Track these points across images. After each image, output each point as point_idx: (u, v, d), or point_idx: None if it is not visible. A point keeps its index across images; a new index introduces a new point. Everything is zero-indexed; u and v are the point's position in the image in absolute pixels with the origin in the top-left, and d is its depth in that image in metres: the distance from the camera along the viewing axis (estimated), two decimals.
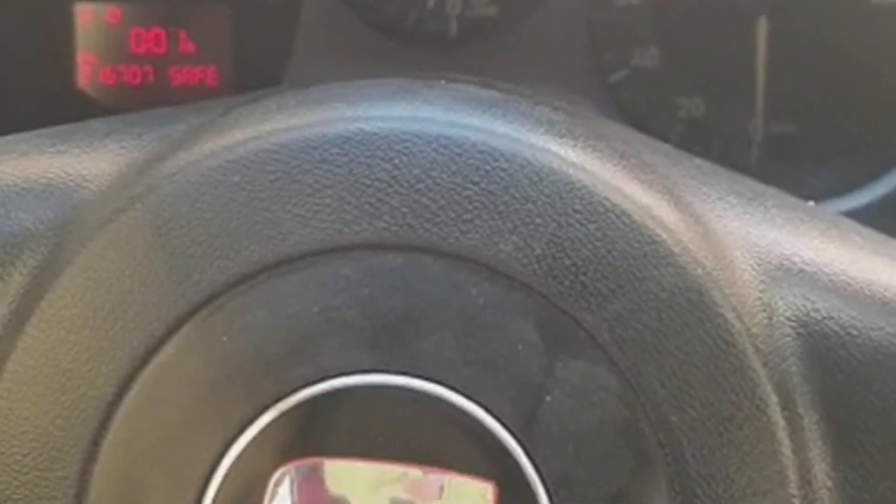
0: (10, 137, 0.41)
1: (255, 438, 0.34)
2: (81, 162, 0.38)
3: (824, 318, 0.36)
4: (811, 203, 0.43)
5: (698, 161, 0.41)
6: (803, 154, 0.70)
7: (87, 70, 0.71)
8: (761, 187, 0.41)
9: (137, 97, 0.71)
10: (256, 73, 0.71)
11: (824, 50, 0.69)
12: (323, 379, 0.34)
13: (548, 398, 0.34)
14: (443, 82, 0.39)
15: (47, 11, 0.70)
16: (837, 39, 0.69)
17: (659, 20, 0.70)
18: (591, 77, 0.71)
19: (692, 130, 0.71)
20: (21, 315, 0.35)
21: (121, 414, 0.34)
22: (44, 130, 0.42)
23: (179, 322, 0.34)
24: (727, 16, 0.69)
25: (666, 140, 0.52)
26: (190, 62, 0.71)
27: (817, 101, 0.70)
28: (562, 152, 0.35)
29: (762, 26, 0.69)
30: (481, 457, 0.34)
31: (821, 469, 0.35)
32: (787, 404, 0.35)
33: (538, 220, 0.34)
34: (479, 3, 0.71)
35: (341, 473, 0.34)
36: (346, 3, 0.70)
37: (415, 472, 0.34)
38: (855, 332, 0.35)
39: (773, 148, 0.71)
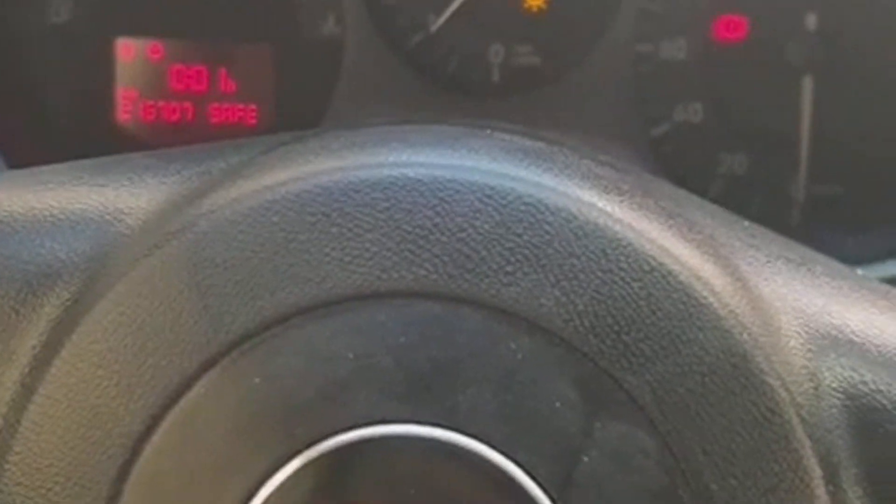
0: (48, 168, 0.41)
1: (282, 485, 0.33)
2: (119, 195, 0.37)
3: (872, 390, 0.34)
4: (858, 271, 0.42)
5: (746, 223, 0.40)
6: (845, 217, 0.69)
7: (127, 105, 0.71)
8: (810, 253, 0.40)
9: (176, 134, 0.71)
10: (296, 113, 0.71)
11: (871, 110, 0.68)
12: (355, 427, 0.33)
13: (585, 459, 0.33)
14: (488, 131, 0.38)
15: (89, 45, 0.70)
16: (885, 100, 0.68)
17: (703, 75, 0.69)
18: (632, 130, 0.70)
19: (733, 187, 0.70)
20: (51, 347, 0.34)
21: (148, 452, 0.33)
22: (82, 162, 0.42)
23: (211, 362, 0.33)
24: (773, 72, 0.69)
25: (705, 196, 0.51)
26: (230, 100, 0.72)
27: (862, 163, 0.69)
28: (608, 208, 0.35)
29: (808, 84, 0.69)
30: None
31: None
32: (832, 478, 0.34)
33: (581, 276, 0.33)
34: (522, 52, 0.71)
35: None
36: (388, 47, 0.70)
37: None
38: None
39: (814, 209, 0.70)
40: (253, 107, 0.72)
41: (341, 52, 0.70)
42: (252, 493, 0.33)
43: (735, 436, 0.33)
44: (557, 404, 0.33)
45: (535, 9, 0.70)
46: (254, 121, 0.72)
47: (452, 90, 0.71)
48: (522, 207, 0.34)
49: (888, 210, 0.69)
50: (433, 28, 0.70)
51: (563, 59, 0.70)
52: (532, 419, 0.33)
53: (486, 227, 0.34)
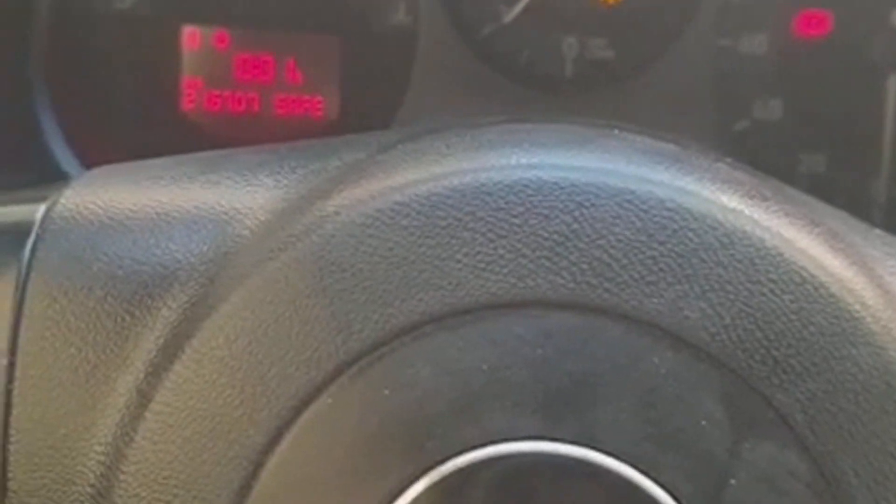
0: (150, 162, 0.40)
1: (412, 503, 0.31)
2: (235, 194, 0.36)
3: None
4: None
5: (878, 231, 0.38)
6: None
7: (192, 94, 0.70)
8: None
9: (240, 124, 0.70)
10: (364, 105, 0.69)
11: None
12: (488, 443, 0.31)
13: (732, 481, 0.31)
14: (615, 132, 0.37)
15: (154, 32, 0.69)
16: None
17: (783, 72, 0.67)
18: (711, 127, 0.68)
19: (812, 187, 0.68)
20: (169, 353, 0.33)
21: (271, 465, 0.32)
22: (185, 157, 0.40)
23: (338, 371, 0.32)
24: (855, 71, 0.67)
25: None
26: (296, 91, 0.70)
27: None
28: (754, 215, 0.33)
29: (892, 84, 0.67)
30: None
31: None
32: None
33: (728, 287, 0.32)
34: (596, 45, 0.69)
35: None
36: (460, 38, 0.69)
37: None
38: None
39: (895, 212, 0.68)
40: (319, 99, 0.70)
41: (412, 44, 0.68)
42: None
43: (889, 458, 0.31)
44: (703, 423, 0.31)
45: (610, 1, 0.68)
46: (320, 113, 0.70)
47: (524, 83, 0.69)
48: (665, 213, 0.32)
49: None
50: (506, 19, 0.68)
51: (639, 54, 0.68)
52: (676, 438, 0.31)
53: (627, 234, 0.32)
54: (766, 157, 0.68)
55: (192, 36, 0.70)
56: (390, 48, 0.69)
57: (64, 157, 0.69)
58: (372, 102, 0.69)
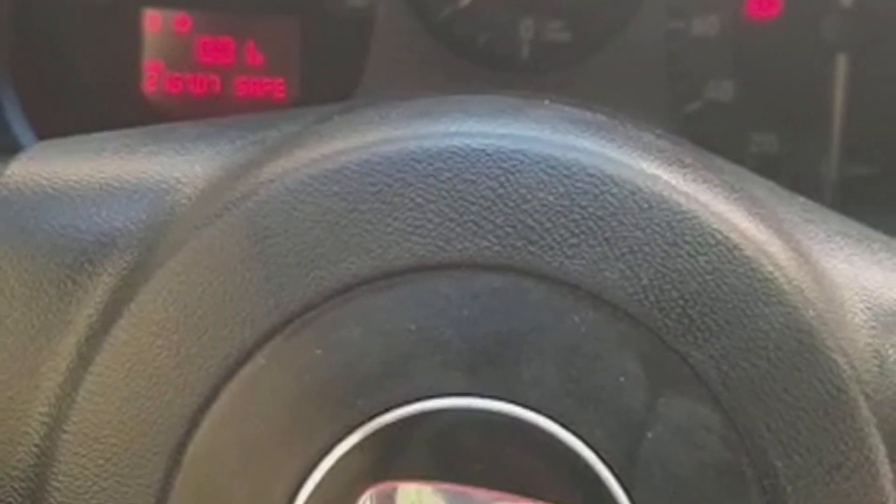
0: (95, 136, 0.41)
1: (343, 457, 0.33)
2: (174, 164, 0.37)
3: None
4: None
5: (801, 199, 0.39)
6: (878, 197, 0.69)
7: (153, 77, 0.71)
8: (866, 229, 0.39)
9: (202, 106, 0.71)
10: (325, 86, 0.70)
11: None
12: (417, 400, 0.33)
13: (649, 434, 0.32)
14: (546, 102, 0.38)
15: (116, 16, 0.69)
16: None
17: (735, 53, 0.69)
18: (663, 107, 0.69)
19: (764, 167, 0.69)
20: (109, 316, 0.34)
21: (206, 423, 0.33)
22: (129, 131, 0.41)
23: (271, 333, 0.33)
24: (806, 51, 0.68)
25: None
26: (257, 73, 0.71)
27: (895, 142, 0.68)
28: (672, 181, 0.34)
29: (841, 63, 0.68)
30: (576, 491, 0.32)
31: None
32: None
33: (646, 249, 0.33)
34: (552, 27, 0.70)
35: (428, 499, 0.33)
36: (418, 20, 0.70)
37: (506, 502, 0.33)
38: None
39: (847, 189, 0.69)
40: (280, 80, 0.71)
41: (370, 25, 0.69)
42: (313, 466, 0.33)
43: (800, 412, 0.33)
44: (621, 379, 0.33)
45: None
46: (281, 94, 0.71)
47: (482, 65, 0.70)
48: (587, 179, 0.34)
49: None
50: (463, 2, 0.69)
51: (593, 35, 0.69)
52: (596, 394, 0.33)
53: (551, 198, 0.33)
54: (719, 137, 0.69)
55: (153, 19, 0.70)
56: (349, 30, 0.70)
57: (27, 140, 0.70)
58: (331, 83, 0.70)
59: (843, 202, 0.70)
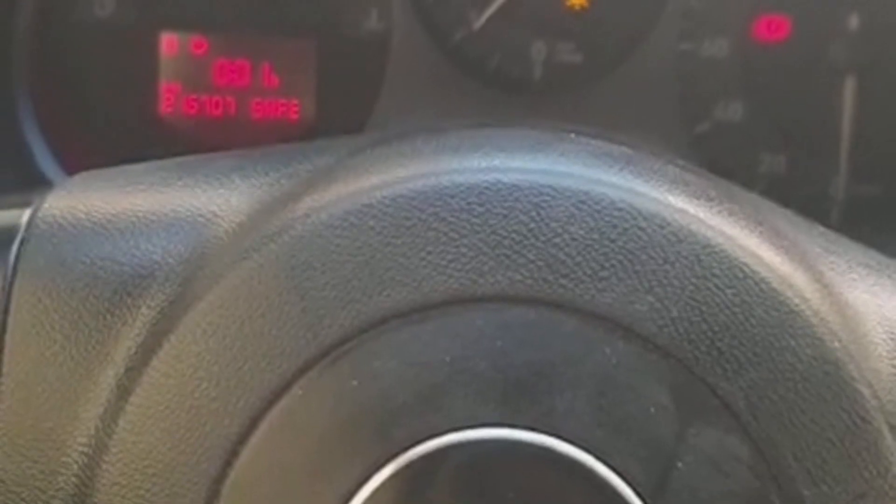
0: (130, 168, 0.41)
1: (378, 488, 0.33)
2: (210, 197, 0.37)
3: None
4: None
5: (822, 229, 0.40)
6: (886, 217, 0.70)
7: (170, 99, 0.71)
8: (884, 258, 0.40)
9: (218, 128, 0.72)
10: (339, 109, 0.71)
11: None
12: (451, 431, 0.33)
13: (679, 465, 0.33)
14: (572, 136, 0.39)
15: (133, 39, 0.70)
16: None
17: (744, 75, 0.70)
18: (674, 128, 0.70)
19: (772, 187, 0.70)
20: (148, 349, 0.35)
21: (245, 454, 0.34)
22: (163, 162, 0.42)
23: (309, 364, 0.34)
24: (814, 72, 0.69)
25: None
26: (272, 95, 0.72)
27: None
28: (700, 214, 0.35)
29: (850, 84, 0.69)
30: None
31: None
32: None
33: (675, 282, 0.34)
34: (564, 49, 0.71)
35: None
36: (431, 43, 0.70)
37: None
38: None
39: (855, 209, 0.70)
40: (295, 102, 0.72)
41: (385, 49, 0.70)
42: (349, 497, 0.33)
43: (826, 442, 0.33)
44: (652, 410, 0.33)
45: (577, 6, 0.70)
46: (296, 116, 0.72)
47: (495, 87, 0.71)
48: (616, 213, 0.34)
49: None
50: (476, 25, 0.70)
51: (605, 58, 0.70)
52: (627, 424, 0.33)
53: (581, 232, 0.34)
54: (728, 158, 0.70)
55: (170, 42, 0.71)
56: (364, 53, 0.71)
57: (45, 160, 0.70)
58: (346, 106, 0.71)
59: (850, 222, 0.71)
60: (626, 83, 0.70)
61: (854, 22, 0.69)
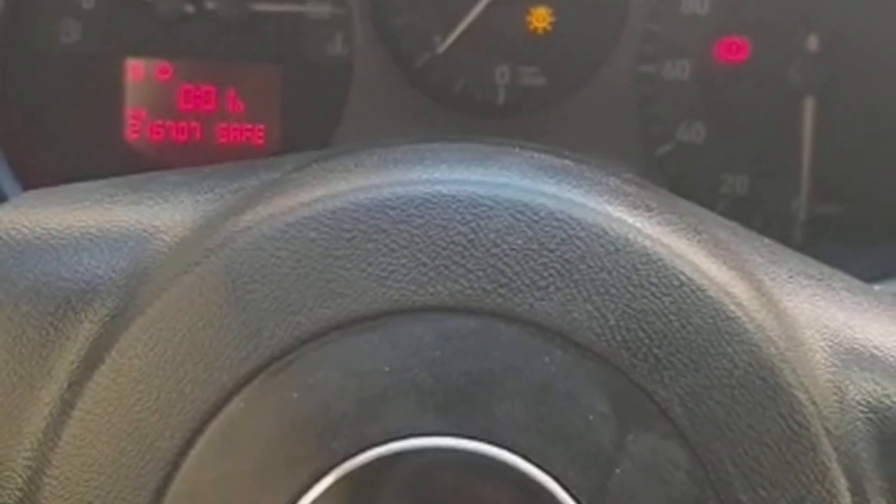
0: (76, 186, 0.42)
1: (319, 498, 0.33)
2: (154, 213, 0.38)
3: (895, 403, 0.35)
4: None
5: (766, 240, 0.41)
6: (847, 236, 0.71)
7: (136, 125, 0.72)
8: (827, 269, 0.40)
9: (184, 153, 0.72)
10: (304, 133, 0.72)
11: (872, 130, 0.69)
12: (391, 440, 0.34)
13: (618, 470, 0.33)
14: (517, 149, 0.39)
15: (98, 66, 0.71)
16: (885, 120, 0.69)
17: (705, 96, 0.70)
18: (636, 150, 0.71)
19: (735, 207, 0.71)
20: (90, 363, 0.35)
21: (187, 466, 0.34)
22: (112, 180, 0.42)
23: (249, 376, 0.34)
24: (774, 94, 0.70)
25: None
26: (238, 120, 0.72)
27: (863, 182, 0.70)
28: (638, 224, 0.35)
29: (810, 105, 0.70)
30: None
31: None
32: (857, 489, 0.34)
33: (613, 291, 0.34)
34: (527, 72, 0.72)
35: None
36: (396, 67, 0.71)
37: None
38: None
39: (816, 228, 0.71)
40: (261, 127, 0.72)
41: (349, 73, 0.71)
42: None
43: (763, 447, 0.34)
44: (591, 417, 0.34)
45: (540, 30, 0.71)
46: (261, 141, 0.72)
47: (459, 110, 0.72)
48: (555, 223, 0.35)
49: (889, 228, 0.70)
50: (440, 49, 0.71)
51: (567, 80, 0.71)
52: (566, 432, 0.33)
53: (520, 242, 0.34)
54: (691, 179, 0.71)
55: (136, 68, 0.72)
56: (329, 78, 0.71)
57: (11, 188, 0.71)
58: (312, 130, 0.72)
59: (811, 240, 0.71)
60: (589, 105, 0.71)
61: (813, 43, 0.70)
